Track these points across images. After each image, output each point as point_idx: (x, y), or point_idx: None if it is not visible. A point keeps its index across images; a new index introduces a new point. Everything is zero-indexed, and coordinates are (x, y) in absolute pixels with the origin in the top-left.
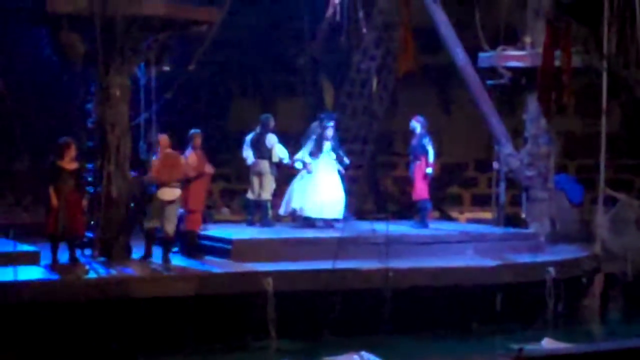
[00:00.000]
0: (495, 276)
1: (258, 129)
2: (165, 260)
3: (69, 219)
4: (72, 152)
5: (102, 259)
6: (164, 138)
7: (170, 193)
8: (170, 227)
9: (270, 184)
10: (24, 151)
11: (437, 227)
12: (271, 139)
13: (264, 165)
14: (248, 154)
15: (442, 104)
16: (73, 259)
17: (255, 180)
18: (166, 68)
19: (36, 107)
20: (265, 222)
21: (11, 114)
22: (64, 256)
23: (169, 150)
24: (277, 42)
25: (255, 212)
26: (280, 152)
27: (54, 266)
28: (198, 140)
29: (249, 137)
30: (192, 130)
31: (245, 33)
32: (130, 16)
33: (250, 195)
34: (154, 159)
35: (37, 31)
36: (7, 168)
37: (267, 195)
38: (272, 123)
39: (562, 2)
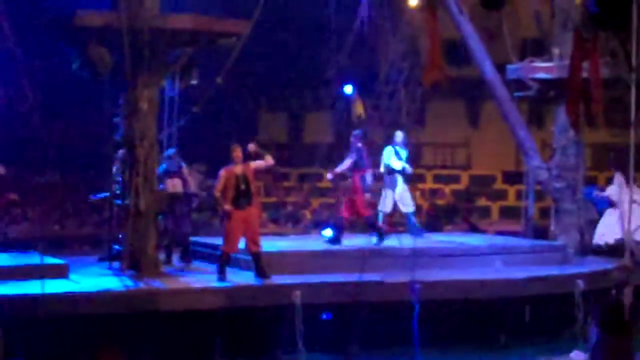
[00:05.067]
0: (523, 288)
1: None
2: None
3: None
4: None
5: (130, 271)
6: (237, 150)
7: None
8: None
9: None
10: (54, 164)
11: (465, 240)
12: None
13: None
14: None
15: (470, 117)
16: None
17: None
18: (194, 82)
19: (65, 120)
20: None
21: (41, 128)
22: (90, 270)
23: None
24: (305, 55)
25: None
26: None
27: None
28: (238, 154)
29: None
30: (233, 144)
31: (273, 46)
32: (157, 29)
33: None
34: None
35: (65, 45)
36: (37, 180)
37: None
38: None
39: (590, 12)
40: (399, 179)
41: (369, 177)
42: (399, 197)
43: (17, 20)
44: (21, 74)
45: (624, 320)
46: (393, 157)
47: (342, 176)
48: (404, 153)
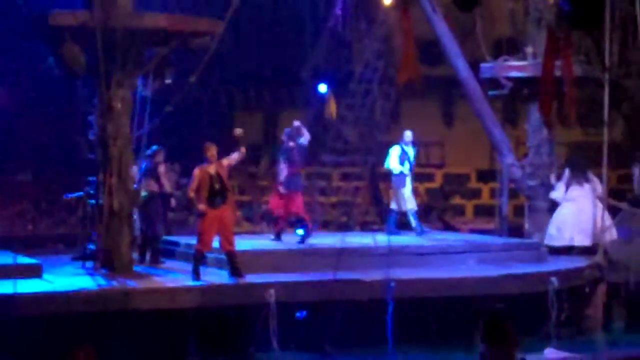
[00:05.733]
0: (498, 286)
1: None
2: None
3: None
4: None
5: (104, 271)
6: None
7: None
8: None
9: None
10: (27, 163)
11: (439, 238)
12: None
13: None
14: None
15: (444, 115)
16: None
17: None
18: (168, 81)
19: (39, 119)
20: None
21: (14, 126)
22: (64, 269)
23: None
24: (280, 53)
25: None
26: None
27: None
28: (213, 152)
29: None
30: (207, 143)
31: (247, 45)
32: (131, 28)
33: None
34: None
35: (39, 44)
36: (10, 179)
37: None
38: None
39: (564, 11)
40: (408, 178)
41: (299, 177)
42: (407, 195)
43: None
44: None
45: (505, 332)
46: (393, 158)
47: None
48: (411, 152)
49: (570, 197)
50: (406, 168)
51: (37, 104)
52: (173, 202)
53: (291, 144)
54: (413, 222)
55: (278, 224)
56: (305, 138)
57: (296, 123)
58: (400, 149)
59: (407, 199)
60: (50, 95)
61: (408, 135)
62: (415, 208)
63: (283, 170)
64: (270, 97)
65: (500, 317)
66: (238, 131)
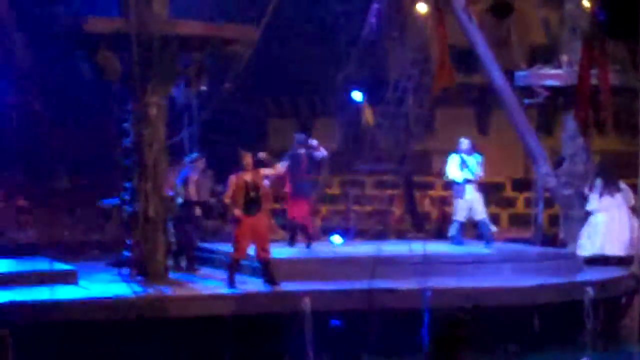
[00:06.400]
0: (533, 296)
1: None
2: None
3: None
4: None
5: (139, 278)
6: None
7: None
8: None
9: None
10: (63, 170)
11: (474, 247)
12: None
13: None
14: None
15: (479, 124)
16: None
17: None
18: (203, 88)
19: (74, 126)
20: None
21: (50, 134)
22: (99, 276)
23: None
24: (314, 61)
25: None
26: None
27: None
28: (248, 160)
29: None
30: (242, 151)
31: (281, 52)
32: (166, 36)
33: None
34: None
35: (75, 51)
36: (46, 186)
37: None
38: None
39: (598, 20)
40: (468, 187)
41: (307, 184)
42: (469, 205)
43: (26, 26)
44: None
45: (455, 336)
46: (453, 166)
47: (278, 181)
48: (471, 160)
49: (602, 207)
50: (466, 176)
51: (72, 111)
52: (198, 211)
53: (301, 150)
54: (483, 231)
55: (303, 230)
56: (320, 153)
57: (314, 142)
58: (459, 157)
59: (474, 209)
60: (86, 102)
61: (465, 143)
62: (485, 216)
63: (289, 178)
64: (304, 105)
65: (454, 324)
66: (262, 155)
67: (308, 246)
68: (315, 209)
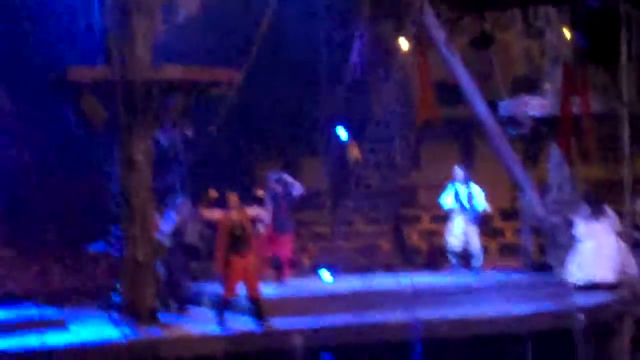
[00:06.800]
0: (525, 324)
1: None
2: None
3: None
4: None
5: (129, 321)
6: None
7: None
8: None
9: None
10: (50, 221)
11: (463, 277)
12: None
13: None
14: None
15: (464, 156)
16: None
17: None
18: (188, 132)
19: (61, 175)
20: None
21: (36, 184)
22: (89, 320)
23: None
24: (298, 100)
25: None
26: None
27: None
28: (234, 199)
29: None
30: (228, 192)
31: (265, 94)
32: (150, 81)
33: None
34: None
35: (59, 99)
36: (34, 240)
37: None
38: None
39: (580, 47)
40: (458, 217)
41: (287, 219)
42: (463, 235)
43: (8, 76)
44: (15, 131)
45: None
46: (447, 195)
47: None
48: (463, 190)
49: (589, 233)
50: (456, 205)
51: (58, 159)
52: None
53: (277, 188)
54: (473, 262)
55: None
56: (296, 190)
57: (288, 178)
58: (453, 188)
59: (469, 241)
60: (71, 150)
61: (458, 173)
62: (478, 249)
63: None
64: (288, 145)
65: None
66: (259, 193)
67: (282, 282)
68: (304, 247)
